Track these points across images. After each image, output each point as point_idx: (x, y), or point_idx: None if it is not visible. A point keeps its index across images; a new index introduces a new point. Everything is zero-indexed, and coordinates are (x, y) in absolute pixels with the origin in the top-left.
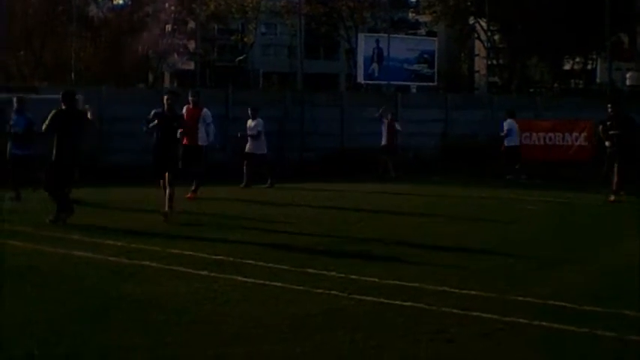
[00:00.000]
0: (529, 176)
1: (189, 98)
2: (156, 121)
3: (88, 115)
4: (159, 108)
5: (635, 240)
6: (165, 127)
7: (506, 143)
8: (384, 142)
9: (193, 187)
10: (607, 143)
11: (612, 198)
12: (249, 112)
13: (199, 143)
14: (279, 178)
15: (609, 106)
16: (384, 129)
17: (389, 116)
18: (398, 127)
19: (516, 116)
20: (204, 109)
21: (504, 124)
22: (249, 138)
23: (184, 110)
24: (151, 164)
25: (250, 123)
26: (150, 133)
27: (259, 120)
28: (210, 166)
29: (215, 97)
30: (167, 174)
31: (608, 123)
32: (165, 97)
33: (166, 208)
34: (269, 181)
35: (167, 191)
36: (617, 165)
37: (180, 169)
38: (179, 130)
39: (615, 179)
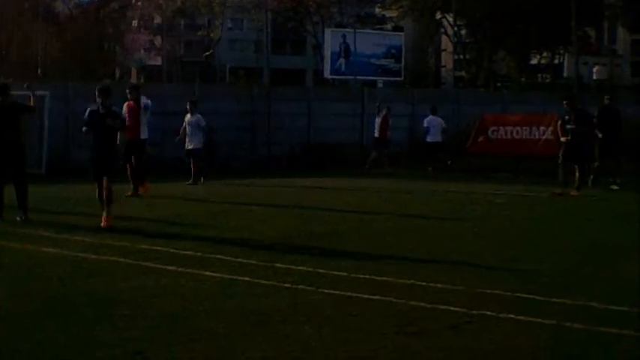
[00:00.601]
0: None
1: (128, 94)
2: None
3: (31, 102)
4: (94, 105)
5: (601, 232)
6: (102, 126)
7: (427, 139)
8: (376, 134)
9: (134, 184)
10: (562, 139)
11: (573, 192)
12: (188, 106)
13: (141, 137)
14: (246, 172)
15: (565, 102)
16: (378, 122)
17: (384, 110)
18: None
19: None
20: (146, 101)
21: (425, 120)
22: (187, 134)
23: (125, 107)
24: (90, 165)
25: (189, 118)
26: (87, 133)
27: (198, 115)
28: (174, 162)
29: (182, 92)
30: (105, 177)
31: (566, 117)
32: (97, 93)
33: (104, 213)
34: (192, 179)
35: (104, 195)
36: (576, 161)
37: (122, 164)
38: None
39: (577, 175)
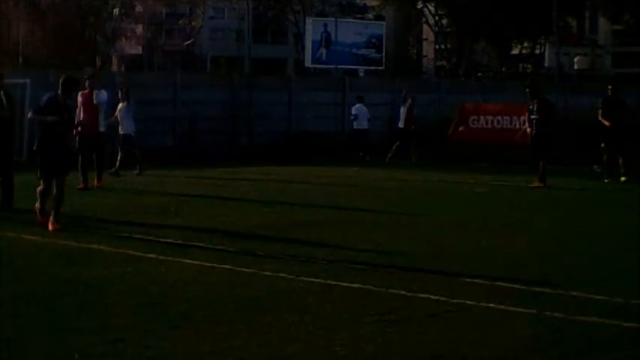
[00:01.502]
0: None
1: (85, 81)
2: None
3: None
4: (52, 92)
5: (582, 222)
6: (61, 120)
7: (354, 126)
8: (400, 125)
9: (97, 176)
10: (528, 130)
11: (535, 184)
12: (119, 94)
13: (100, 129)
14: (228, 161)
15: (527, 89)
16: (403, 112)
17: (409, 100)
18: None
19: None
20: (102, 91)
21: (353, 108)
22: (120, 120)
23: (79, 97)
24: (39, 162)
25: (122, 105)
26: (40, 123)
27: (131, 103)
28: (159, 151)
29: (163, 81)
30: (59, 177)
31: (530, 107)
32: (61, 82)
33: (52, 217)
34: (138, 168)
35: (56, 195)
36: (540, 151)
37: (80, 159)
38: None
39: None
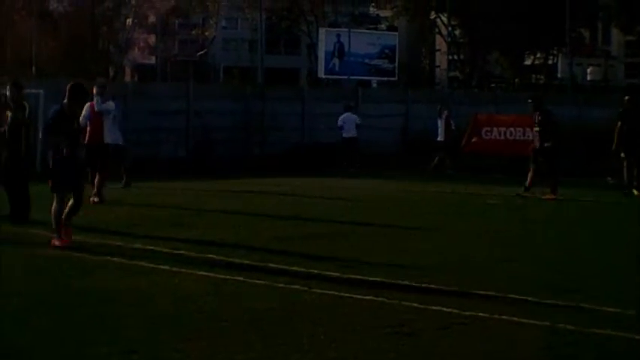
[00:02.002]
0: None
1: (95, 91)
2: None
3: None
4: (58, 105)
5: (594, 234)
6: (70, 131)
7: (343, 135)
8: (440, 138)
9: (95, 190)
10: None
11: (547, 196)
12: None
13: (105, 141)
14: (240, 172)
15: (529, 101)
16: (441, 125)
17: (445, 113)
18: (453, 125)
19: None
20: (109, 102)
21: (340, 118)
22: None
23: (87, 107)
24: (52, 177)
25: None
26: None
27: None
28: (171, 162)
29: (176, 91)
30: (74, 191)
31: (534, 119)
32: (68, 89)
33: (63, 234)
34: (124, 180)
35: (71, 204)
36: (547, 163)
37: (90, 172)
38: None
39: (551, 178)
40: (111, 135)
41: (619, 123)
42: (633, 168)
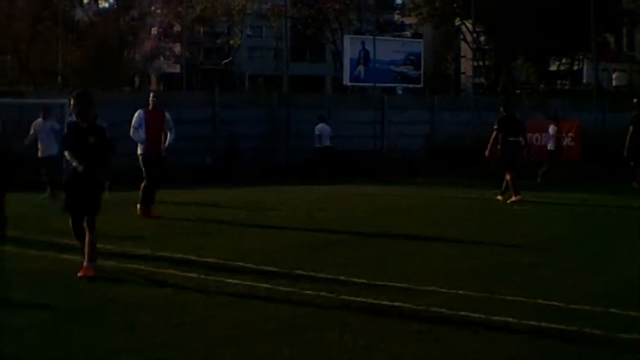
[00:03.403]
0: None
1: (151, 100)
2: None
3: None
4: (71, 117)
5: (622, 238)
6: (81, 146)
7: (316, 145)
8: (550, 147)
9: (143, 204)
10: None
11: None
12: (41, 113)
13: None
14: (267, 180)
15: (501, 108)
16: (553, 134)
17: (554, 123)
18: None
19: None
20: (166, 113)
21: (316, 128)
22: (40, 141)
23: (141, 114)
24: (64, 196)
25: (41, 124)
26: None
27: (53, 121)
28: (198, 169)
29: (202, 100)
30: (86, 216)
31: (502, 125)
32: (72, 101)
33: (85, 262)
34: (50, 191)
35: (86, 238)
36: (507, 167)
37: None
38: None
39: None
40: (48, 146)
41: (631, 128)
42: None
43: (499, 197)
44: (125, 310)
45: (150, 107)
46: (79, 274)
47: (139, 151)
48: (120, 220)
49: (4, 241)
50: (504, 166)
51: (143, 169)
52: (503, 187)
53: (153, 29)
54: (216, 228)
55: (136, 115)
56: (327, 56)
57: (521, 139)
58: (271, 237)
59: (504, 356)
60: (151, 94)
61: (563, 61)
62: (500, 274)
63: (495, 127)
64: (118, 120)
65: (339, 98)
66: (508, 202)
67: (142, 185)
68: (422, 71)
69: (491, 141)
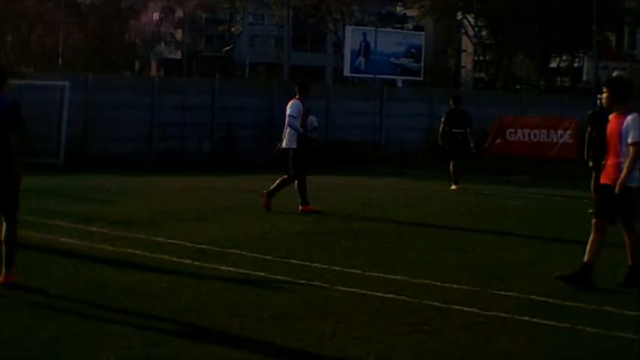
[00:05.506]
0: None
1: (299, 90)
2: None
3: None
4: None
5: (619, 235)
6: None
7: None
8: None
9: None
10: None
11: (453, 187)
12: None
13: (283, 146)
14: (265, 168)
15: (450, 102)
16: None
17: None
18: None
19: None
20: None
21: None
22: None
23: (300, 105)
24: None
25: None
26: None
27: None
28: (195, 156)
29: (201, 86)
30: (5, 216)
31: (449, 117)
32: None
33: (5, 270)
34: None
35: (4, 238)
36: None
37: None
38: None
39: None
40: None
41: (589, 128)
42: None
43: (453, 187)
44: (120, 294)
45: (299, 97)
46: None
47: (288, 145)
48: (116, 203)
49: None
50: (449, 156)
51: (298, 163)
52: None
53: (154, 14)
54: (212, 215)
55: (294, 103)
56: (328, 46)
57: (467, 130)
58: (267, 226)
59: (497, 351)
60: (297, 86)
61: (564, 58)
62: (494, 269)
63: (442, 119)
64: (120, 103)
65: (339, 89)
66: (450, 189)
67: (298, 181)
68: (422, 64)
69: (439, 133)
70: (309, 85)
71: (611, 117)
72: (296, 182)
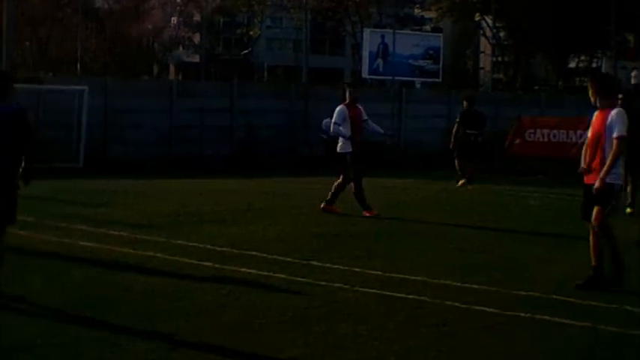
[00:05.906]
0: None
1: (348, 94)
2: None
3: None
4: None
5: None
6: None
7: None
8: None
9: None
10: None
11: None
12: None
13: (337, 151)
14: (284, 170)
15: (464, 102)
16: None
17: None
18: None
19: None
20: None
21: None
22: None
23: (345, 110)
24: None
25: None
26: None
27: None
28: (214, 159)
29: (220, 89)
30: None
31: (465, 118)
32: None
33: None
34: None
35: None
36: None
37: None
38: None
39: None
40: None
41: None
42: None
43: (463, 184)
44: (140, 297)
45: (348, 102)
46: None
47: (343, 149)
48: (135, 207)
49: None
50: (458, 154)
51: (349, 166)
52: (465, 175)
53: (172, 18)
54: (232, 217)
55: (339, 110)
56: (346, 49)
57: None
58: (287, 227)
59: (518, 351)
60: (347, 89)
61: (582, 58)
62: (514, 269)
63: (457, 120)
64: (138, 107)
65: (358, 91)
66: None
67: (338, 182)
68: (441, 65)
69: (453, 133)
70: (357, 92)
71: (595, 114)
72: (352, 186)
